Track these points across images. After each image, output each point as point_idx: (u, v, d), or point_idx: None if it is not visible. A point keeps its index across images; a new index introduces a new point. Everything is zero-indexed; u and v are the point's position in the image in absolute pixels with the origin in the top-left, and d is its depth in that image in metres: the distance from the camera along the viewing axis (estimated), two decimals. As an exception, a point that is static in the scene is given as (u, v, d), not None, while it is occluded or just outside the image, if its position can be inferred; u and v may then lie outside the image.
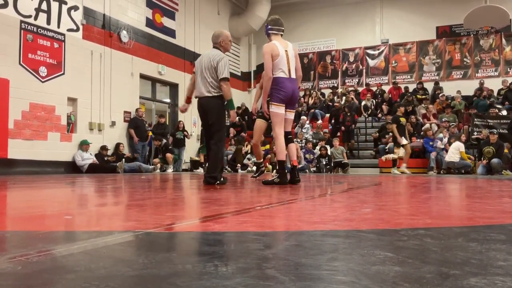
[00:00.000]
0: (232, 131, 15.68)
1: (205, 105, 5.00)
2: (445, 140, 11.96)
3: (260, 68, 18.81)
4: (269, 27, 5.22)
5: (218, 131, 5.04)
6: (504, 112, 13.05)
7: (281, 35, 5.24)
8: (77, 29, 10.73)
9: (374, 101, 15.74)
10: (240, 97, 17.62)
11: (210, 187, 4.79)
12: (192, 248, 1.50)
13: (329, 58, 18.07)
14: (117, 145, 11.49)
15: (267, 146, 13.26)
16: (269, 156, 12.82)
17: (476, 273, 1.08)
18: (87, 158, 10.48)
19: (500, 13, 12.57)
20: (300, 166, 12.23)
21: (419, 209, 2.77)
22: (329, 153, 12.45)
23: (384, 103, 15.52)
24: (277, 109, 5.00)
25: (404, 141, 11.51)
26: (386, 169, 12.14)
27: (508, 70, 15.46)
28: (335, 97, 16.57)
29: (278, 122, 5.03)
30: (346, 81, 17.72)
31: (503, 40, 15.58)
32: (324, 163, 12.43)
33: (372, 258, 1.24)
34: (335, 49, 17.95)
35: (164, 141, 12.47)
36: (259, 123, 6.38)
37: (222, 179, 5.08)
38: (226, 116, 5.29)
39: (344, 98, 16.07)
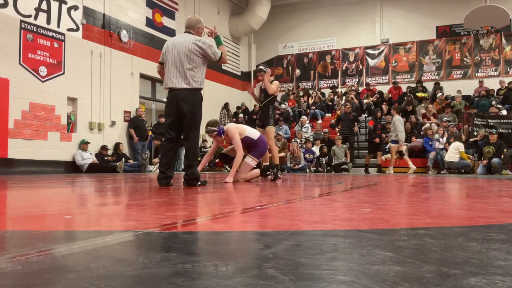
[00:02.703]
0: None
1: (182, 98, 4.63)
2: (443, 140, 11.96)
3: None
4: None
5: (194, 128, 4.74)
6: (504, 112, 13.05)
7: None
8: (77, 29, 10.73)
9: (373, 101, 15.73)
10: (240, 97, 17.62)
11: (209, 187, 4.79)
12: (192, 247, 1.50)
13: (329, 58, 18.06)
14: (117, 145, 11.48)
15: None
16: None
17: (476, 272, 1.08)
18: (87, 158, 10.48)
19: (500, 13, 12.56)
20: (300, 165, 12.26)
21: (419, 208, 2.77)
22: (330, 152, 12.44)
23: (384, 103, 15.51)
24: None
25: None
26: (386, 169, 12.13)
27: (508, 70, 15.46)
28: (335, 97, 16.57)
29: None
30: (346, 80, 17.72)
31: (503, 40, 15.58)
32: (324, 162, 12.43)
33: (372, 258, 1.24)
34: (335, 48, 17.95)
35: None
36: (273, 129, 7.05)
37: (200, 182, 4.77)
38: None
39: (344, 97, 16.07)
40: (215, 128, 5.54)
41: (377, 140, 12.30)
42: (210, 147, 14.26)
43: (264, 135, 6.61)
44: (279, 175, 6.12)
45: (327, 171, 12.26)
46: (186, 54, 4.56)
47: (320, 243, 1.48)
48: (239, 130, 5.65)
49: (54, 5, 10.17)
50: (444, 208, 2.94)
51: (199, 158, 5.24)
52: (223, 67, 16.76)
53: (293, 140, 13.43)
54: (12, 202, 3.49)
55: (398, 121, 11.58)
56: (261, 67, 6.85)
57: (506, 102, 13.87)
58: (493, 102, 13.65)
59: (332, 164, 12.30)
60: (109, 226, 2.01)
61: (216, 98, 15.94)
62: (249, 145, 5.69)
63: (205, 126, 5.58)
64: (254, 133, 5.85)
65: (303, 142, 13.21)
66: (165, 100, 14.88)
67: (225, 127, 5.67)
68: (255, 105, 16.97)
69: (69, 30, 10.50)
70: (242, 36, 18.06)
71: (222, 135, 5.63)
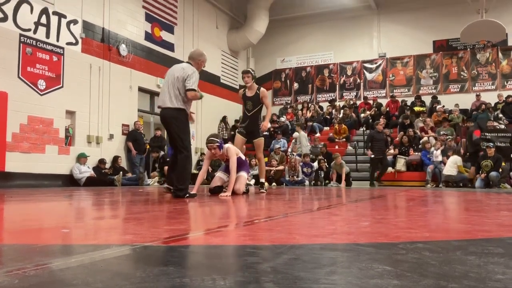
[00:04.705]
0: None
1: (166, 117, 5.07)
2: (437, 152, 11.97)
3: (258, 81, 18.81)
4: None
5: (182, 141, 5.05)
6: (502, 126, 13.09)
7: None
8: (76, 43, 10.78)
9: (371, 114, 15.77)
10: (238, 110, 17.65)
11: (207, 200, 4.78)
12: (190, 261, 1.49)
13: (327, 72, 18.16)
14: (115, 158, 11.46)
15: (266, 159, 13.24)
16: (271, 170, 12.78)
17: (475, 286, 1.07)
18: (85, 171, 10.45)
19: (496, 27, 12.68)
20: (298, 179, 12.24)
21: (417, 222, 2.76)
22: (330, 166, 12.38)
23: (382, 116, 15.57)
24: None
25: None
26: (384, 182, 12.12)
27: (505, 83, 15.55)
28: (333, 110, 16.62)
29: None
30: (344, 94, 17.79)
31: (500, 54, 15.69)
32: (322, 176, 12.41)
33: (371, 272, 1.23)
34: (332, 62, 18.06)
35: (162, 153, 12.46)
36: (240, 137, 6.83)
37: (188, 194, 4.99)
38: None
39: (342, 111, 16.13)
40: (218, 140, 5.68)
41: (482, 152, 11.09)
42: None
43: (242, 146, 6.73)
44: (264, 189, 6.75)
45: (325, 184, 12.24)
46: (176, 78, 5.00)
47: (319, 257, 1.48)
48: (236, 151, 5.93)
49: (54, 19, 10.23)
50: (443, 222, 2.93)
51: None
52: (222, 80, 16.83)
53: (289, 152, 13.44)
54: (9, 215, 3.47)
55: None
56: (250, 69, 6.76)
57: (503, 116, 13.91)
58: (500, 115, 13.67)
59: (330, 176, 12.26)
60: (106, 239, 2.00)
61: (214, 111, 15.99)
62: (239, 164, 5.89)
63: (207, 138, 5.69)
64: (240, 153, 6.15)
65: (297, 155, 13.19)
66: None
67: (226, 146, 5.84)
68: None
69: (68, 44, 10.55)
70: (241, 50, 18.18)
71: (221, 149, 5.69)
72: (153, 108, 13.82)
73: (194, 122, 5.69)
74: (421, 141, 12.98)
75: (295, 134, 14.48)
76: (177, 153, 5.11)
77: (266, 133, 13.08)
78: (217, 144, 5.64)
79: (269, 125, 6.56)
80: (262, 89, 6.69)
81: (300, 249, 1.66)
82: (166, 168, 11.21)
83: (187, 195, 4.93)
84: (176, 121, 5.04)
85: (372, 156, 11.62)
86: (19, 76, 9.40)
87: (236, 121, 17.08)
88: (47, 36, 10.05)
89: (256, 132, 6.61)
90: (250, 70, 6.67)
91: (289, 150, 13.68)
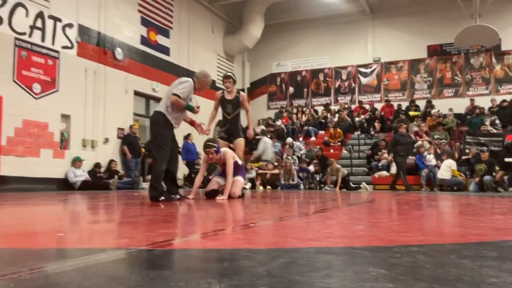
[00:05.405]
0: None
1: (150, 118, 5.47)
2: (430, 156, 12.01)
3: (254, 85, 18.94)
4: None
5: (154, 147, 5.14)
6: (495, 131, 13.16)
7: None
8: (72, 46, 10.76)
9: (365, 118, 15.82)
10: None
11: (203, 204, 4.78)
12: (186, 265, 1.49)
13: (322, 76, 18.22)
14: (110, 162, 11.43)
15: (260, 163, 13.25)
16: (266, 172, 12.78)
17: (468, 289, 1.08)
18: (80, 175, 10.40)
19: (490, 32, 12.77)
20: (294, 182, 12.26)
21: (412, 226, 2.78)
22: (326, 170, 12.39)
23: (376, 120, 15.63)
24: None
25: None
26: (379, 186, 12.15)
27: (499, 88, 15.65)
28: (328, 114, 16.67)
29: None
30: (339, 98, 17.84)
31: (493, 59, 15.79)
32: (318, 179, 12.42)
33: (366, 275, 1.24)
34: (328, 67, 18.12)
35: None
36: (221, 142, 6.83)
37: (163, 197, 4.91)
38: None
39: (337, 115, 16.19)
40: (215, 145, 5.69)
41: None
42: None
43: (223, 147, 6.70)
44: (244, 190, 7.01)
45: (320, 188, 12.26)
46: (171, 87, 5.25)
47: (314, 261, 1.49)
48: (233, 155, 5.97)
49: (49, 23, 10.21)
50: (437, 226, 2.95)
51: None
52: (217, 84, 16.85)
53: (284, 157, 13.45)
54: (3, 219, 3.46)
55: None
56: (230, 74, 6.86)
57: (499, 122, 13.97)
58: (497, 121, 13.71)
59: (324, 180, 12.28)
60: (102, 243, 2.00)
61: (209, 115, 15.98)
62: (236, 168, 5.89)
63: (204, 143, 5.69)
64: (237, 157, 6.17)
65: (295, 159, 13.21)
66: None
67: (223, 150, 5.87)
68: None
69: (63, 47, 10.52)
70: (236, 54, 18.20)
71: (218, 154, 5.71)
72: (149, 112, 13.80)
73: (202, 134, 5.78)
74: (415, 145, 13.04)
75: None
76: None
77: (258, 136, 13.15)
78: (215, 149, 5.67)
79: (258, 130, 6.60)
80: (242, 93, 6.95)
81: (296, 253, 1.66)
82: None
83: (162, 198, 4.85)
84: (151, 124, 5.26)
85: (398, 160, 11.40)
86: (14, 79, 9.36)
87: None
88: (43, 39, 10.03)
89: (236, 133, 6.74)
90: (231, 75, 6.78)
91: (285, 155, 13.68)
